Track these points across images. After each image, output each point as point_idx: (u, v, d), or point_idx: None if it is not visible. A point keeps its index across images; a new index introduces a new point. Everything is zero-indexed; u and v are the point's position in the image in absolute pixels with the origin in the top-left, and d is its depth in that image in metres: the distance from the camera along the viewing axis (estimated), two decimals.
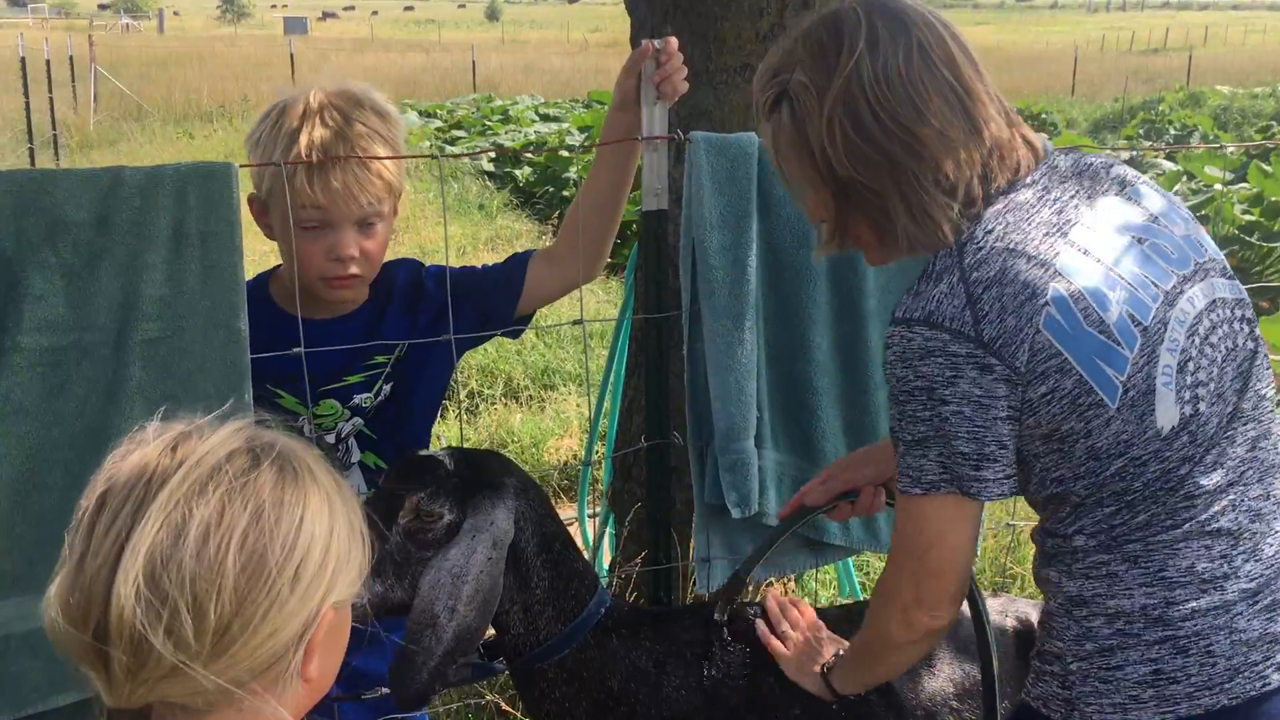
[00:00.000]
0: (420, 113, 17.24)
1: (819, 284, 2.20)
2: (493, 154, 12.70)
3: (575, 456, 4.80)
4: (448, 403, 5.38)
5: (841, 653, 1.85)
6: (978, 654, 1.92)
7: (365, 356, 2.10)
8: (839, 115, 1.50)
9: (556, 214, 9.71)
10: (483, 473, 1.86)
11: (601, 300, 7.00)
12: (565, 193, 10.36)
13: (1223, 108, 21.34)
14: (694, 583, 2.30)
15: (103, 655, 0.94)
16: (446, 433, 5.10)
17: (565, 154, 11.39)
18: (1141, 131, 17.73)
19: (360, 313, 2.11)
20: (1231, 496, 1.50)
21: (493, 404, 5.47)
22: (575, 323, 2.17)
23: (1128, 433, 1.47)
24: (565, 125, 14.89)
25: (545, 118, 16.63)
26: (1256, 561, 1.50)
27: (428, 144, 12.97)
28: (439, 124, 16.29)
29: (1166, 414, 1.47)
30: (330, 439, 2.11)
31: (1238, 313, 1.56)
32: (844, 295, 2.24)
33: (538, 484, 1.94)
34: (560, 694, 1.92)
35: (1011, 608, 2.08)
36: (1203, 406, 1.49)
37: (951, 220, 1.50)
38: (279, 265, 2.12)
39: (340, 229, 1.97)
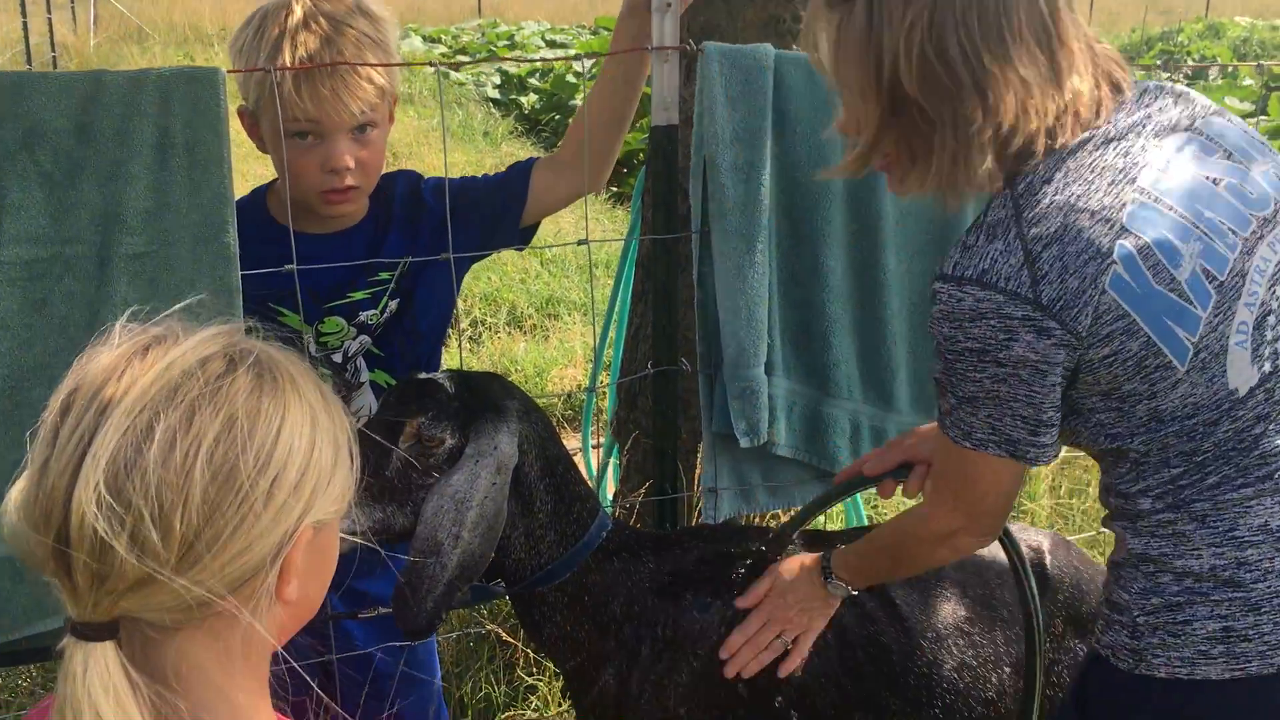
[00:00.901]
0: (424, 38, 16.97)
1: (835, 206, 2.11)
2: (493, 73, 12.50)
3: (579, 386, 4.73)
4: (451, 331, 5.30)
5: (840, 552, 1.80)
6: (1018, 596, 1.87)
7: (369, 272, 2.03)
8: (924, 26, 1.34)
9: (562, 141, 9.53)
10: (485, 396, 1.79)
11: (607, 229, 6.89)
12: (571, 120, 10.17)
13: (1242, 39, 20.95)
14: (700, 514, 2.23)
15: (66, 562, 0.88)
16: (449, 361, 5.03)
17: (572, 80, 11.20)
18: (1159, 62, 17.43)
19: (361, 227, 2.03)
20: None
21: (496, 333, 5.40)
22: (581, 243, 2.08)
23: (1196, 395, 1.39)
24: (572, 51, 14.64)
25: (552, 44, 16.36)
26: None
27: (431, 70, 12.74)
28: (443, 50, 16.02)
29: (1240, 375, 1.39)
30: (338, 358, 2.06)
31: None
32: (861, 219, 2.14)
33: (539, 407, 1.87)
34: (561, 618, 1.87)
35: (1023, 536, 2.02)
36: None
37: (989, 170, 1.39)
38: (276, 179, 2.04)
39: (334, 139, 1.88)
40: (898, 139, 1.44)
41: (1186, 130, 1.44)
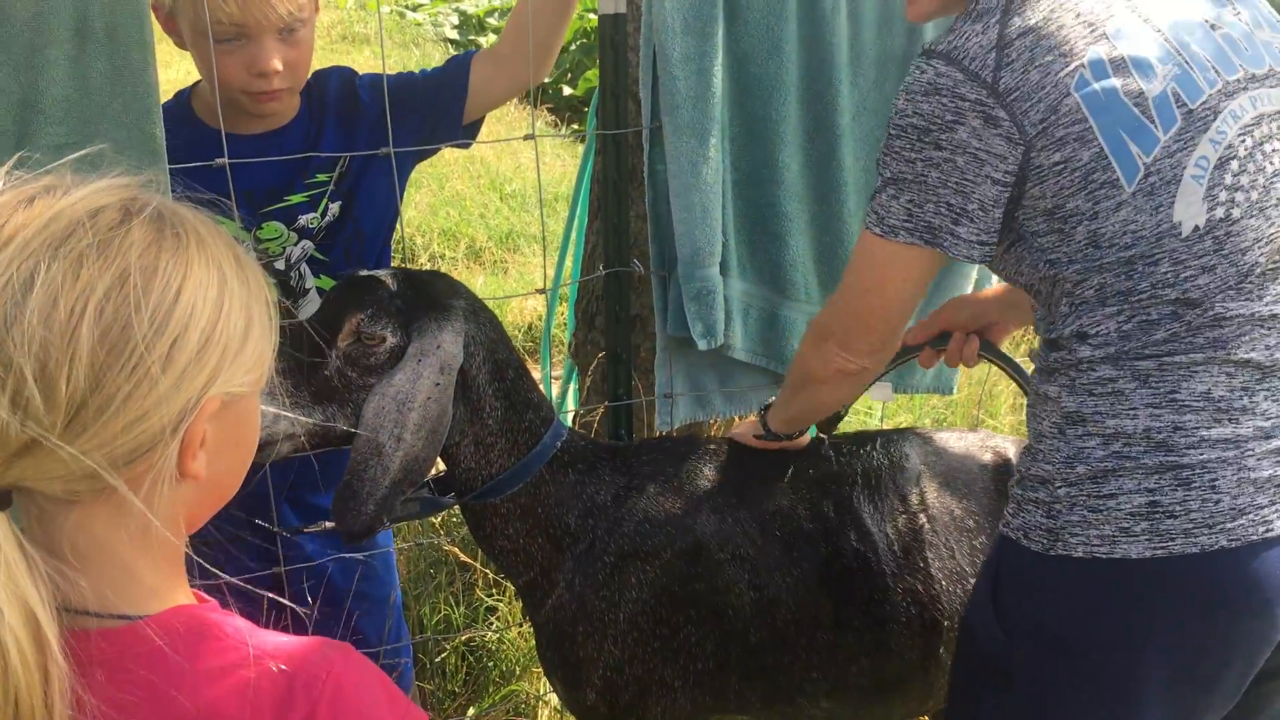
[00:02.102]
0: None
1: (790, 100, 2.05)
2: (451, 13, 12.27)
3: (539, 317, 4.67)
4: (409, 266, 5.22)
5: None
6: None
7: (306, 174, 1.97)
8: None
9: (503, 33, 9.38)
10: (429, 293, 1.72)
11: (568, 163, 6.79)
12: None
13: None
14: (657, 421, 2.19)
15: None
16: None
17: None
18: None
19: (295, 125, 1.96)
20: (1272, 334, 1.35)
21: (455, 265, 5.32)
22: (527, 137, 2.01)
23: (1138, 222, 1.32)
24: None
25: None
26: (1278, 403, 1.36)
27: (388, 9, 12.54)
28: None
29: (1189, 209, 1.32)
30: (280, 265, 1.99)
31: None
32: (816, 112, 2.08)
33: (488, 308, 1.81)
34: (514, 530, 1.82)
35: (990, 442, 1.99)
36: (1236, 213, 1.33)
37: None
38: (199, 80, 1.96)
39: (260, 40, 1.82)
40: None
41: None
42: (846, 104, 2.08)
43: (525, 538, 1.83)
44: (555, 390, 3.82)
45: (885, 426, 3.47)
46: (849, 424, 3.90)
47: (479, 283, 5.10)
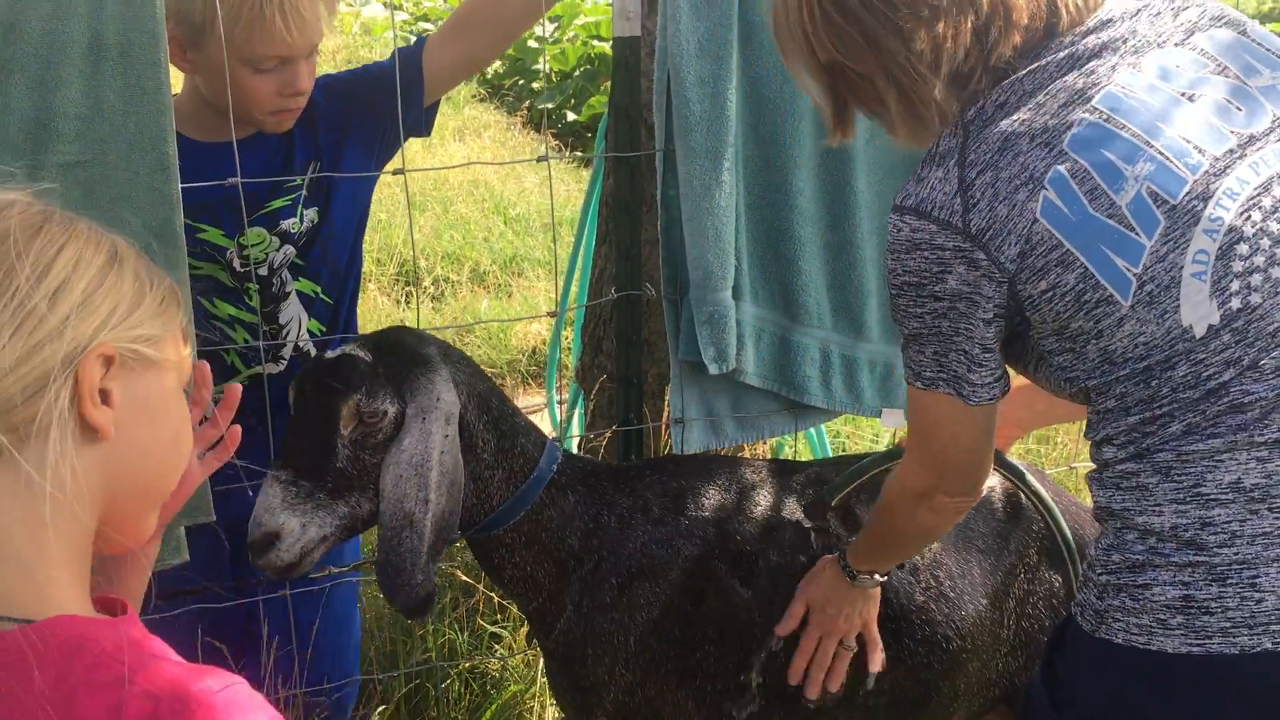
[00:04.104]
0: (384, 4, 16.72)
1: (804, 124, 2.04)
2: None
3: (544, 341, 4.66)
4: (413, 289, 5.22)
5: (853, 548, 1.73)
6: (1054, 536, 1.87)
7: (284, 179, 1.99)
8: None
9: (526, 105, 9.43)
10: (404, 351, 1.71)
11: (571, 188, 6.80)
12: (535, 84, 10.06)
13: None
14: (668, 447, 2.17)
15: None
16: (411, 318, 4.94)
17: (534, 45, 11.05)
18: None
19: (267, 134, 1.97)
20: None
21: (459, 289, 5.31)
22: (540, 159, 2.00)
23: (1147, 333, 1.25)
24: None
25: None
26: None
27: (392, 35, 12.59)
28: (405, 16, 15.80)
29: (1197, 311, 1.24)
30: (263, 271, 2.00)
31: None
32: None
33: (455, 347, 1.81)
34: (520, 558, 1.80)
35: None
36: (1256, 299, 1.23)
37: (941, 104, 1.35)
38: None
39: (296, 63, 1.87)
40: (853, 101, 1.44)
41: (1178, 44, 1.32)
42: (861, 129, 2.07)
43: (532, 565, 1.81)
44: (561, 415, 3.81)
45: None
46: (854, 446, 3.88)
47: (483, 306, 5.09)
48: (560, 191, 6.44)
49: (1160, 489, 1.28)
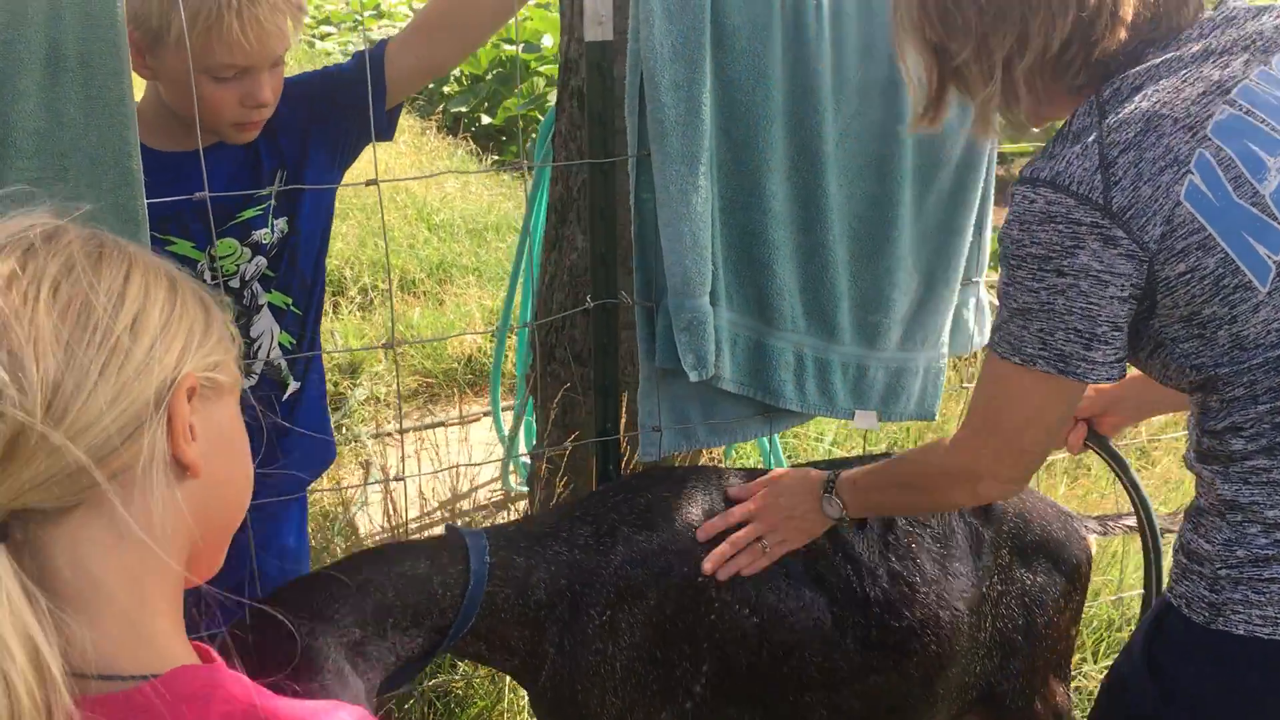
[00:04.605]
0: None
1: (775, 126, 2.03)
2: (360, 43, 12.13)
3: (480, 350, 4.59)
4: (340, 299, 5.10)
5: (848, 473, 1.76)
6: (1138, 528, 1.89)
7: (253, 187, 1.93)
8: None
9: (439, 109, 9.32)
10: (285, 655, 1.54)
11: (494, 193, 6.72)
12: (445, 88, 9.94)
13: None
14: (639, 454, 2.14)
15: None
16: (341, 328, 4.83)
17: None
18: None
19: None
20: None
21: (388, 297, 5.21)
22: (512, 167, 1.96)
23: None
24: None
25: (417, 12, 16.00)
26: None
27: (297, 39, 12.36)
28: (307, 19, 15.50)
29: None
30: (235, 283, 1.95)
31: None
32: (801, 140, 2.07)
33: (344, 579, 1.64)
34: (488, 644, 1.75)
35: None
36: None
37: (1029, 99, 1.42)
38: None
39: (257, 73, 1.81)
40: (950, 86, 1.49)
41: None
42: (830, 131, 2.07)
43: (503, 638, 1.75)
44: (508, 427, 3.75)
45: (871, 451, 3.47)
46: (832, 451, 3.89)
47: (415, 315, 5.00)
48: (483, 197, 6.37)
49: None
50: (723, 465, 3.21)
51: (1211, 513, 1.40)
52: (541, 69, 8.95)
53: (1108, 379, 1.39)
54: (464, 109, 9.05)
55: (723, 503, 1.88)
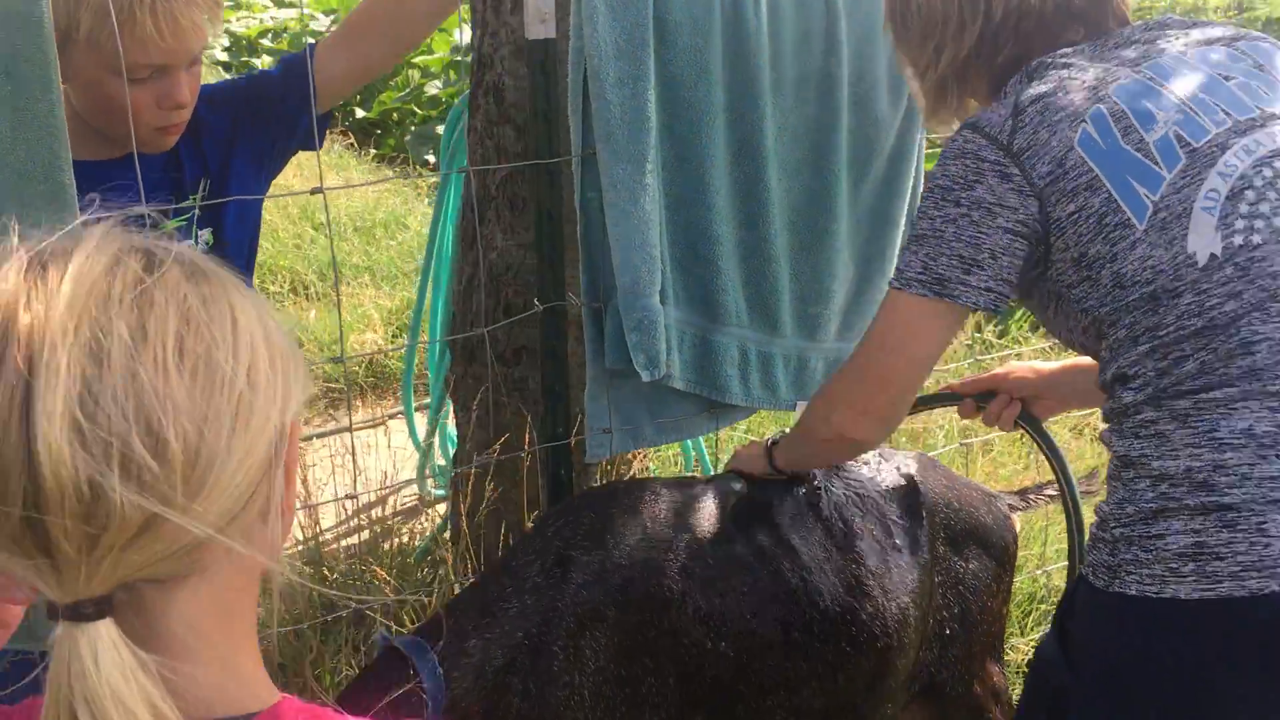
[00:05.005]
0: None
1: (717, 122, 2.02)
2: (220, 34, 11.74)
3: (380, 351, 4.48)
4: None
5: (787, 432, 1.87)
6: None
7: (178, 197, 1.85)
8: None
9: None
10: None
11: (381, 191, 6.56)
12: None
13: None
14: (587, 456, 2.11)
15: (43, 533, 0.69)
16: None
17: (310, 40, 10.63)
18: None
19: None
20: None
21: (281, 301, 5.04)
22: (426, 168, 1.90)
23: (1155, 257, 1.37)
24: (306, 11, 13.88)
25: (280, 2, 15.49)
26: None
27: (216, 34, 11.87)
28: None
29: (1201, 240, 1.36)
30: None
31: None
32: (742, 135, 2.06)
33: None
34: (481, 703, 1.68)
35: (892, 460, 2.01)
36: (1257, 239, 1.35)
37: (962, 91, 1.62)
38: None
39: (174, 73, 1.71)
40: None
41: (1225, 48, 1.49)
42: (770, 125, 2.07)
43: (465, 715, 1.68)
44: (421, 432, 3.67)
45: None
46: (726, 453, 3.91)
47: (312, 317, 4.85)
48: (368, 194, 6.22)
49: (1177, 435, 1.36)
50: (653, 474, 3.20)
51: (1112, 476, 1.45)
52: (416, 60, 8.79)
53: (976, 305, 1.48)
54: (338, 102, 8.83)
55: (666, 512, 1.85)
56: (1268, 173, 1.38)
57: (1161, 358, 1.38)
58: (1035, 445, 2.02)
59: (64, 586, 0.70)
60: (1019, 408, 1.91)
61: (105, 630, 0.71)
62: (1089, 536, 1.49)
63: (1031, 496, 2.20)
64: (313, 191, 1.79)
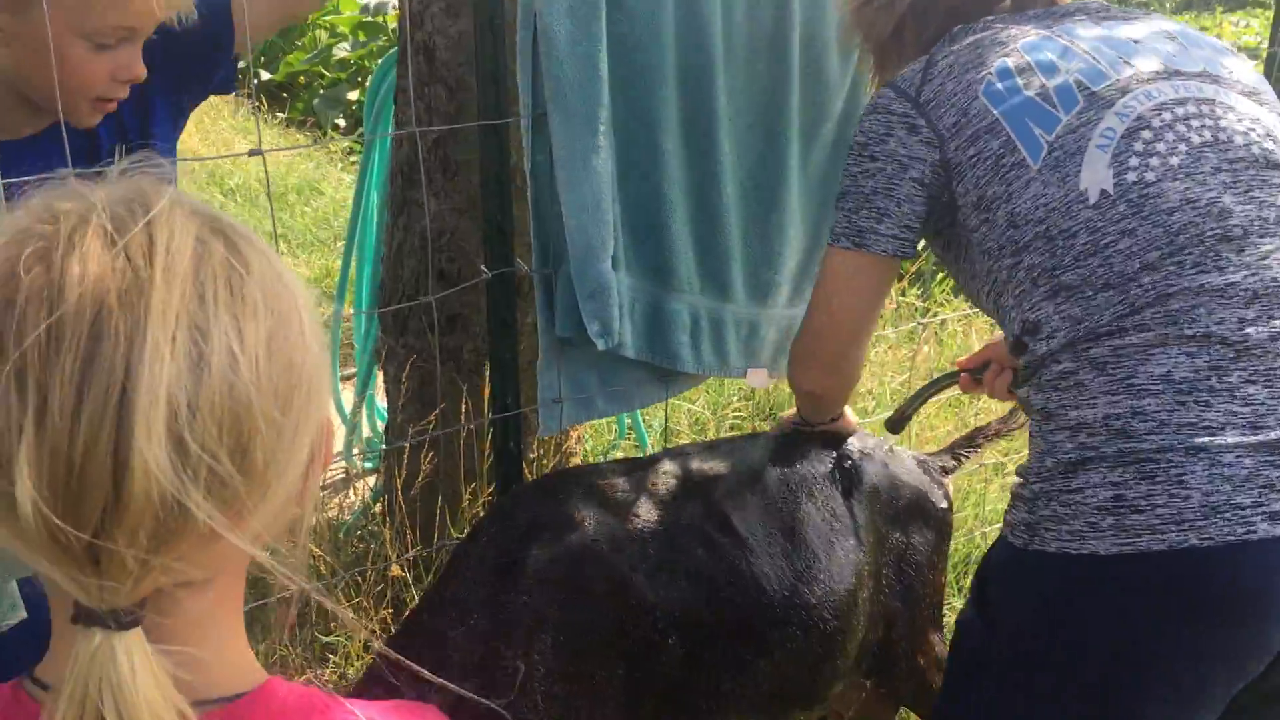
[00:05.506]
0: None
1: (670, 84, 1.97)
2: None
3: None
4: None
5: None
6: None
7: (99, 165, 1.72)
8: None
9: None
10: None
11: (293, 157, 6.38)
12: None
13: None
14: (541, 429, 2.06)
15: (103, 551, 0.63)
16: None
17: None
18: None
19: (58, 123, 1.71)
20: (1246, 310, 1.29)
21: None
22: (253, 153, 1.81)
23: (1047, 195, 1.38)
24: None
25: None
26: (1267, 388, 1.26)
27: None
28: None
29: (1093, 176, 1.36)
30: None
31: (1262, 125, 1.39)
32: (695, 97, 2.01)
33: None
34: None
35: (840, 442, 1.99)
36: (1151, 176, 1.34)
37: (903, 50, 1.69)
38: None
39: (134, 45, 1.59)
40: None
41: (1145, 24, 1.53)
42: (722, 88, 2.02)
43: None
44: (348, 404, 3.56)
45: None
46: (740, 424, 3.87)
47: None
48: (282, 160, 6.03)
49: (1095, 382, 1.32)
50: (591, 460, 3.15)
51: (1032, 434, 1.41)
52: (324, 21, 8.54)
53: (885, 251, 1.55)
54: (241, 64, 8.53)
55: (601, 503, 1.79)
56: (1167, 116, 1.39)
57: (1065, 300, 1.35)
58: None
59: (105, 594, 0.65)
60: (1010, 375, 1.87)
61: (139, 639, 0.66)
62: (1011, 496, 1.45)
63: (960, 453, 2.19)
64: (251, 154, 1.69)
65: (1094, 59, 1.45)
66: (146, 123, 1.77)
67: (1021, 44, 1.49)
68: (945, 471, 2.12)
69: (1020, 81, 1.44)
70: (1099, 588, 1.30)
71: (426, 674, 1.09)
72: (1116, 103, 1.39)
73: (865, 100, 2.19)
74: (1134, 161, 1.35)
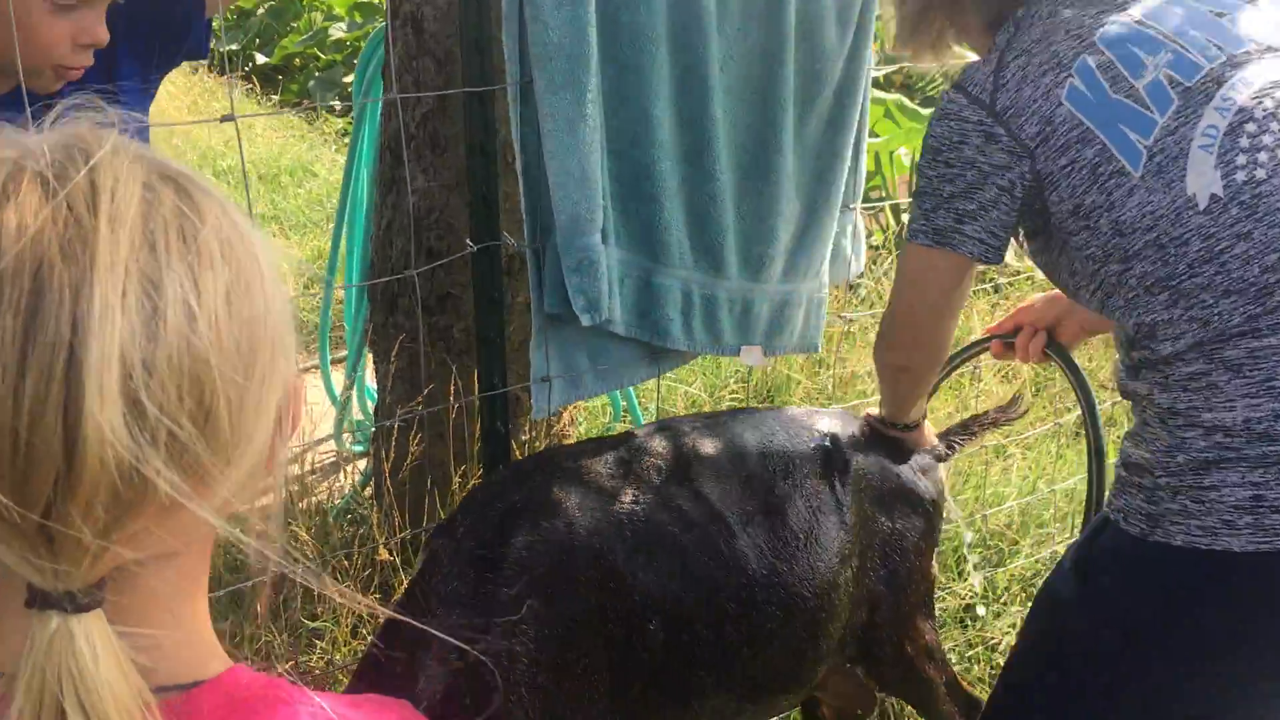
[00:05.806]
0: None
1: (661, 50, 1.90)
2: None
3: (292, 301, 4.29)
4: None
5: None
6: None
7: None
8: None
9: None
10: None
11: (286, 137, 6.31)
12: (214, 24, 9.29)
13: None
14: (534, 410, 2.00)
15: (49, 528, 0.58)
16: None
17: None
18: None
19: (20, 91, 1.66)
20: None
21: None
22: (226, 119, 1.75)
23: (1153, 202, 1.33)
24: None
25: None
26: None
27: None
28: None
29: (1200, 180, 1.31)
30: None
31: None
32: (686, 64, 1.95)
33: None
34: None
35: (817, 420, 1.93)
36: (1262, 173, 1.30)
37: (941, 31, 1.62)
38: None
39: (98, 10, 1.56)
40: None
41: None
42: (715, 54, 1.96)
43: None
44: (339, 386, 3.51)
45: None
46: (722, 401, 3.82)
47: None
48: (273, 141, 5.97)
49: (1232, 385, 1.30)
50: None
51: (1152, 423, 1.39)
52: (319, 2, 8.46)
53: (971, 254, 1.51)
54: (235, 47, 8.46)
55: (577, 487, 1.73)
56: (1269, 103, 1.32)
57: (1185, 307, 1.33)
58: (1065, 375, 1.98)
59: (61, 576, 0.59)
60: (1045, 338, 1.90)
61: (100, 621, 0.61)
62: (1119, 481, 1.44)
63: (954, 440, 2.14)
64: (223, 119, 1.63)
65: (1182, 47, 1.37)
66: (111, 84, 1.72)
67: (1099, 37, 1.41)
68: (938, 459, 2.07)
69: (1106, 84, 1.38)
70: (1228, 584, 1.31)
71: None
72: (1215, 96, 1.33)
73: (861, 72, 2.14)
74: (1241, 159, 1.31)
